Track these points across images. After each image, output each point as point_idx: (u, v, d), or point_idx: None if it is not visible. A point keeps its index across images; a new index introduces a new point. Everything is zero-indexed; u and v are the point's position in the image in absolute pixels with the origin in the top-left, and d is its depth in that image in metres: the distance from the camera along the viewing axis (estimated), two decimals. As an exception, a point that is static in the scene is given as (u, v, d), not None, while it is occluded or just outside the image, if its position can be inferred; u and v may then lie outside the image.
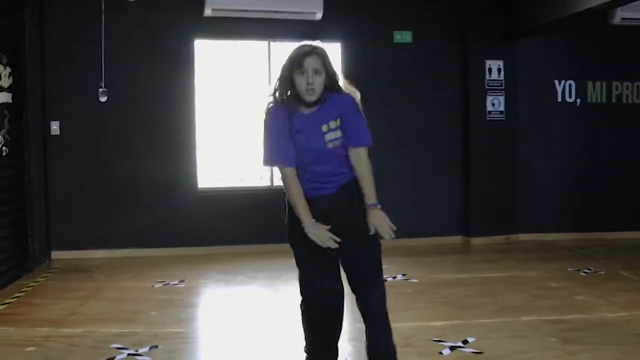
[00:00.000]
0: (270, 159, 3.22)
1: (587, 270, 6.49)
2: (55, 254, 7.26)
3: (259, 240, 7.36)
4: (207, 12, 7.24)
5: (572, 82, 8.15)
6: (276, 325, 4.84)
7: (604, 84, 8.22)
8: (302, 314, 3.38)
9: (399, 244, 7.53)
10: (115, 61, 7.28)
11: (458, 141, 8.06)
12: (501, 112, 7.95)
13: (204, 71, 7.64)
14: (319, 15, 7.42)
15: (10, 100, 6.49)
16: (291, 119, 3.17)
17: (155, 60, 7.40)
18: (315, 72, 3.09)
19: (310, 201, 3.19)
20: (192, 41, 7.52)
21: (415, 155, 7.96)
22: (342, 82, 3.24)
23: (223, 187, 7.69)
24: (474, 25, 7.88)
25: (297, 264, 3.32)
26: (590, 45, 8.13)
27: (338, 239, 3.10)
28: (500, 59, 7.90)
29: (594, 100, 8.23)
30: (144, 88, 7.38)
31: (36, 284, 6.24)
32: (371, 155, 3.23)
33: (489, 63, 7.88)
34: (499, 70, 7.89)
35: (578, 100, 8.19)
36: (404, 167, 7.90)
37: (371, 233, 3.18)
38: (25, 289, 6.00)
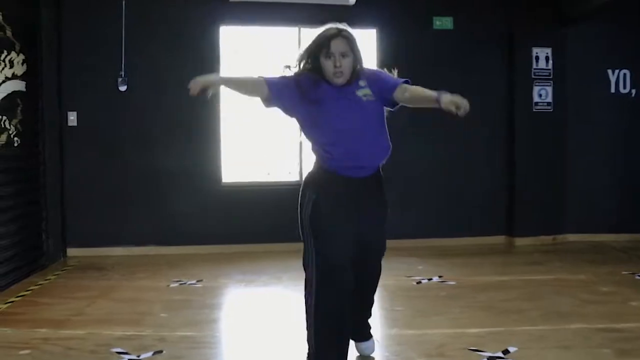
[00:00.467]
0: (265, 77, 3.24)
1: (643, 274, 5.88)
2: (71, 251, 6.92)
3: (286, 239, 6.79)
4: (233, -4, 6.84)
5: (627, 72, 7.51)
6: (300, 332, 4.35)
7: (663, 73, 7.57)
8: (311, 305, 3.21)
9: (436, 243, 7.19)
10: (136, 48, 6.92)
11: (502, 135, 7.52)
12: (549, 104, 7.38)
13: (230, 59, 7.21)
14: (352, 0, 6.94)
15: (23, 89, 6.15)
16: (312, 86, 3.16)
17: (178, 47, 7.01)
18: (343, 55, 3.10)
19: (340, 178, 3.16)
20: (218, 28, 7.12)
21: (456, 149, 7.44)
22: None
23: (248, 182, 7.26)
24: (520, 10, 7.32)
25: (315, 237, 3.16)
26: (648, 31, 7.49)
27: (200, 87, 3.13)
28: (549, 46, 7.33)
29: (650, 91, 7.61)
30: (166, 77, 6.98)
31: (46, 282, 5.87)
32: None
33: (536, 51, 7.31)
34: (546, 58, 7.32)
35: (633, 91, 7.53)
36: (443, 162, 7.42)
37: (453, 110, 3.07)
38: (32, 287, 5.64)
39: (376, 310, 3.90)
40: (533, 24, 7.31)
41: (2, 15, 5.74)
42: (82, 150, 6.92)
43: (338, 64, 3.09)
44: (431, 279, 5.77)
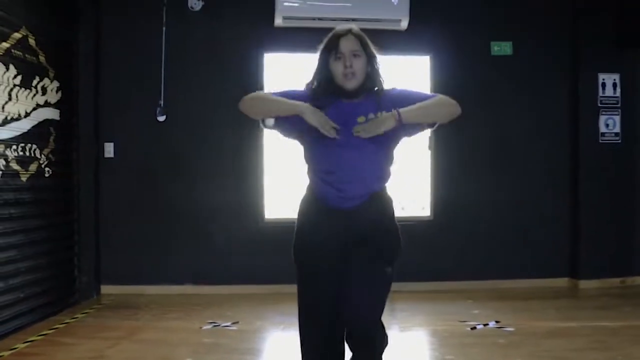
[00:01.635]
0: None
1: None
2: (105, 288, 6.60)
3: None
4: (278, 21, 6.52)
5: (702, 100, 6.94)
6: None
7: None
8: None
9: (494, 286, 6.64)
10: (176, 77, 6.66)
11: (565, 168, 6.99)
12: (617, 134, 6.85)
13: (274, 87, 6.88)
14: (404, 24, 6.57)
15: (57, 117, 5.95)
16: (313, 102, 2.78)
17: (219, 76, 6.73)
18: (354, 54, 2.77)
19: (331, 210, 2.77)
20: (261, 55, 6.82)
21: (516, 183, 6.94)
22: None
23: (292, 219, 6.82)
24: (584, 34, 6.84)
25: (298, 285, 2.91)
26: None
27: (337, 126, 2.69)
28: (616, 72, 6.84)
29: None
30: (207, 107, 6.73)
31: (73, 320, 5.56)
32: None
33: (602, 77, 6.81)
34: (614, 85, 6.80)
35: None
36: (501, 197, 6.91)
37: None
38: (57, 326, 5.33)
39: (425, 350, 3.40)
40: (599, 48, 6.83)
41: (35, 40, 5.54)
42: (118, 183, 6.66)
43: (348, 63, 2.74)
44: (487, 325, 5.23)
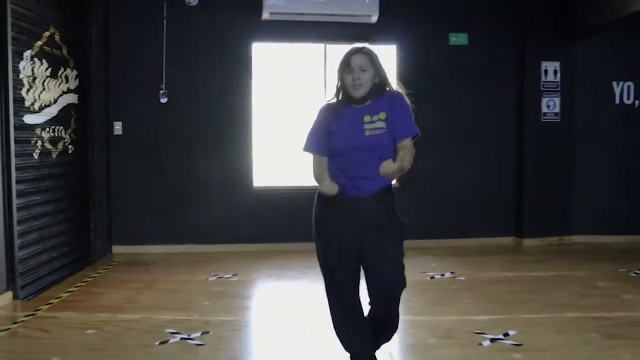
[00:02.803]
0: (306, 146, 3.46)
1: (637, 271, 6.39)
2: (116, 249, 7.55)
3: (312, 238, 7.46)
4: (265, 15, 7.43)
5: (631, 84, 8.05)
6: (323, 315, 4.95)
7: (665, 85, 8.11)
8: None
9: (450, 244, 7.74)
10: (176, 64, 7.55)
11: (513, 142, 8.05)
12: (556, 114, 7.90)
13: (262, 73, 7.82)
14: (374, 18, 7.52)
15: (76, 101, 6.80)
16: (330, 119, 3.39)
17: (214, 62, 7.63)
18: (362, 69, 3.30)
19: (345, 200, 3.33)
20: (250, 44, 7.72)
21: (470, 156, 8.00)
22: (394, 83, 3.41)
23: (278, 186, 7.84)
24: (530, 27, 7.85)
25: (317, 253, 3.48)
26: (649, 45, 8.04)
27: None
28: (557, 60, 7.87)
29: (653, 102, 8.14)
30: (203, 89, 7.64)
31: (97, 275, 6.52)
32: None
33: (545, 65, 7.84)
34: (555, 72, 7.84)
35: (637, 102, 8.08)
36: (458, 168, 7.96)
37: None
38: (86, 279, 6.30)
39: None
40: (542, 40, 7.84)
41: (60, 36, 6.40)
42: (126, 157, 7.57)
43: (356, 77, 3.28)
44: (444, 275, 6.34)
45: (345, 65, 3.34)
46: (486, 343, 4.26)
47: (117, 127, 7.55)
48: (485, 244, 7.88)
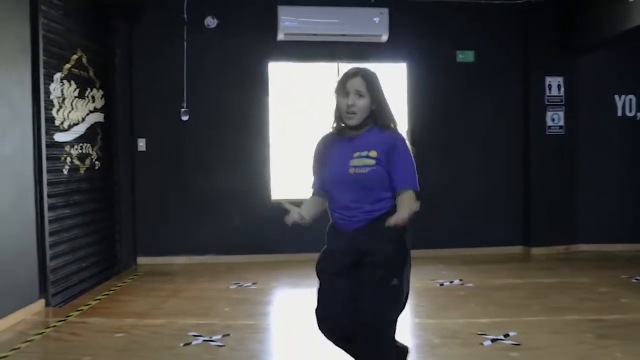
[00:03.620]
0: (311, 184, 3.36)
1: (639, 277, 6.66)
2: (141, 260, 7.93)
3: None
4: (280, 36, 7.81)
5: (633, 97, 8.35)
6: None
7: (665, 97, 8.37)
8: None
9: (460, 252, 8.01)
10: (196, 83, 7.95)
11: (519, 155, 8.35)
12: (561, 127, 8.19)
13: (278, 91, 8.19)
14: (384, 38, 7.89)
15: (102, 120, 7.19)
16: (324, 152, 3.20)
17: (232, 81, 8.00)
18: (358, 94, 3.04)
19: (338, 232, 3.17)
20: (267, 64, 8.09)
21: (478, 168, 8.29)
22: (394, 115, 3.16)
23: (295, 199, 8.11)
24: (534, 44, 8.17)
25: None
26: (650, 59, 8.31)
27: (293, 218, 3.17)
28: (561, 75, 8.17)
29: (654, 114, 8.40)
30: (222, 107, 8.01)
31: (123, 284, 6.89)
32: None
33: (549, 80, 8.14)
34: (559, 86, 8.14)
35: (638, 114, 8.37)
36: (467, 180, 8.26)
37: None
38: (113, 288, 6.67)
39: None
40: (546, 56, 8.15)
41: (87, 59, 6.80)
42: (150, 172, 7.96)
43: (350, 102, 3.02)
44: (452, 282, 6.64)
45: (342, 87, 3.08)
46: (487, 343, 4.55)
47: (141, 144, 7.93)
48: (495, 253, 8.13)
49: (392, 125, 3.15)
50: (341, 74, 3.21)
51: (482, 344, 4.55)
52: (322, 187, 3.24)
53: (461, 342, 4.62)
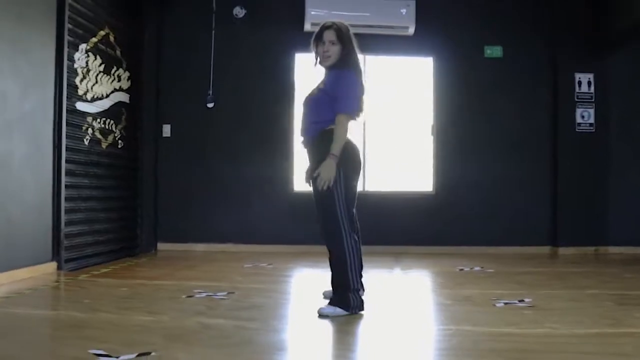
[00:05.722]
0: None
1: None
2: (161, 245, 7.88)
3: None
4: (307, 27, 7.83)
5: (665, 93, 8.11)
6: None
7: (699, 94, 8.11)
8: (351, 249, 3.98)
9: (485, 251, 7.80)
10: (222, 71, 7.99)
11: (547, 152, 8.15)
12: (591, 125, 8.00)
13: (304, 82, 8.17)
14: (411, 30, 7.85)
15: (127, 101, 7.27)
16: None
17: (258, 71, 8.03)
18: (332, 42, 3.95)
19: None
20: (293, 54, 8.11)
21: (505, 166, 8.12)
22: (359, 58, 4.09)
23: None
24: (563, 39, 8.04)
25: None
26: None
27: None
28: (591, 72, 8.00)
29: (688, 111, 8.14)
30: (248, 96, 8.03)
31: (141, 261, 6.86)
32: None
33: (578, 76, 7.99)
34: (589, 83, 7.98)
35: (674, 111, 8.11)
36: (493, 177, 8.09)
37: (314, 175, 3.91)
38: (130, 263, 6.64)
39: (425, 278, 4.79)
40: (575, 52, 8.01)
41: (114, 37, 6.90)
42: (173, 158, 7.98)
43: (326, 49, 3.95)
44: (472, 268, 6.45)
45: (319, 38, 4.00)
46: (499, 304, 4.37)
47: (166, 130, 7.97)
48: (521, 252, 7.88)
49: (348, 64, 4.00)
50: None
51: (494, 304, 4.37)
52: None
53: (473, 303, 4.47)
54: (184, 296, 4.58)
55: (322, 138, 3.94)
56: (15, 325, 3.63)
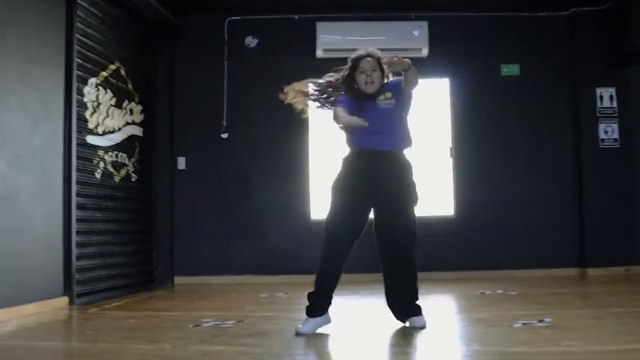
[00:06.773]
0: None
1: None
2: (178, 279, 7.78)
3: (370, 270, 7.49)
4: (319, 53, 7.80)
5: (694, 106, 7.84)
6: (364, 323, 5.01)
7: None
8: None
9: (509, 275, 7.54)
10: (235, 101, 7.95)
11: (571, 170, 7.92)
12: (615, 140, 7.77)
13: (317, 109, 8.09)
14: (425, 52, 7.77)
15: (140, 134, 7.26)
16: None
17: (271, 99, 7.84)
18: (373, 70, 4.25)
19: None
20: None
21: (527, 185, 7.90)
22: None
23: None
24: (582, 54, 7.86)
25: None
26: None
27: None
28: (613, 86, 7.81)
29: None
30: (262, 125, 7.96)
31: (156, 293, 6.76)
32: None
33: (599, 91, 7.79)
34: (611, 97, 7.78)
35: (701, 124, 7.84)
36: (515, 198, 7.87)
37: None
38: (143, 297, 6.53)
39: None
40: (595, 66, 7.82)
41: (125, 71, 6.91)
42: (189, 190, 7.91)
43: (369, 74, 4.24)
44: (495, 292, 6.22)
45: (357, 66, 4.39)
46: (517, 325, 4.16)
47: (181, 162, 7.92)
48: (547, 275, 7.57)
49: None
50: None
51: (511, 325, 4.15)
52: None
53: (486, 324, 4.30)
54: (190, 325, 4.45)
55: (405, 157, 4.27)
56: (9, 357, 3.54)
